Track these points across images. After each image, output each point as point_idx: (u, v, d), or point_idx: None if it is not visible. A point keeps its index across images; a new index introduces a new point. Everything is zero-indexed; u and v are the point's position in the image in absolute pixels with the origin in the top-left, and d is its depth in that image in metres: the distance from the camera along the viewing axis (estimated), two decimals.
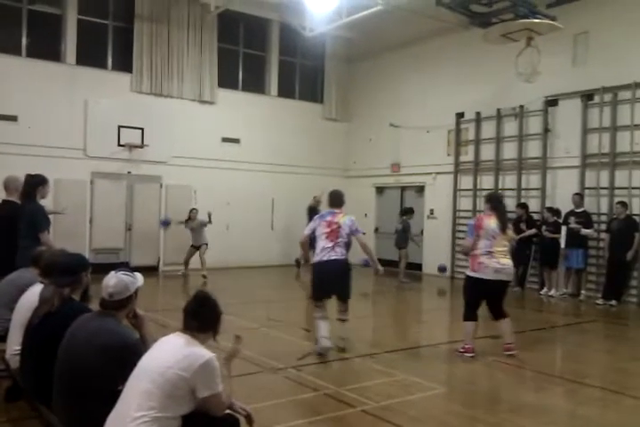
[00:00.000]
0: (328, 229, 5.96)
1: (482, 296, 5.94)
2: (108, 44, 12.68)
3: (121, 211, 12.37)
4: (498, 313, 5.97)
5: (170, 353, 2.66)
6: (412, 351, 6.32)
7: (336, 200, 6.27)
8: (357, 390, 4.73)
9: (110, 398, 2.72)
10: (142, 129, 12.36)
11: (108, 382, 2.84)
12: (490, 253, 5.74)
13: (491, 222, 5.83)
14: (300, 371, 5.29)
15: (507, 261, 5.82)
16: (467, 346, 5.94)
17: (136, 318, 3.30)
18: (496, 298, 5.94)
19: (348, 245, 6.13)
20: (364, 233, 6.49)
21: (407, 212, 12.35)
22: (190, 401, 2.62)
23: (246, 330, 6.46)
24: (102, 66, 12.52)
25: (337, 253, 5.91)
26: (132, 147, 12.24)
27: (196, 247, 11.92)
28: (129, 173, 12.41)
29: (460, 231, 12.46)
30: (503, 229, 5.83)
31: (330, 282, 5.99)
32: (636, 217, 9.70)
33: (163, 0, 12.74)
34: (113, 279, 3.10)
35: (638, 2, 9.92)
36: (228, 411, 2.84)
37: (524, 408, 4.50)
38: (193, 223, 11.88)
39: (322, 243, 5.97)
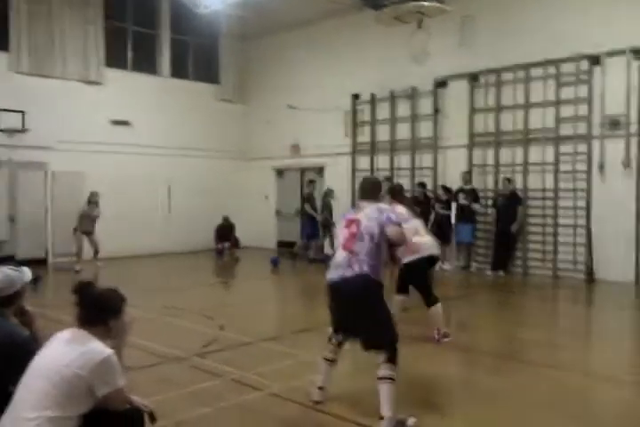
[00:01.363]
0: (346, 233, 3.95)
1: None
2: None
3: (2, 201, 11.49)
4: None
5: (65, 350, 2.54)
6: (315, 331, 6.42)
7: (366, 190, 4.18)
8: (264, 374, 4.74)
9: (1, 399, 2.56)
10: (23, 112, 11.46)
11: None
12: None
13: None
14: (205, 358, 5.21)
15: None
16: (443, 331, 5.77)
17: (25, 315, 3.12)
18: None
19: (377, 255, 3.88)
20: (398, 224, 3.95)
21: (328, 194, 12.43)
22: (89, 400, 2.51)
23: (145, 320, 6.27)
24: None
25: (353, 270, 3.82)
26: (11, 131, 11.35)
27: (87, 233, 11.29)
28: (10, 159, 11.51)
29: None
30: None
31: (344, 315, 3.98)
32: (518, 192, 10.38)
33: None
34: None
35: None
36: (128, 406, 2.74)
37: (418, 378, 4.71)
38: (97, 209, 11.21)
39: (336, 253, 4.04)
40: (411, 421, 3.66)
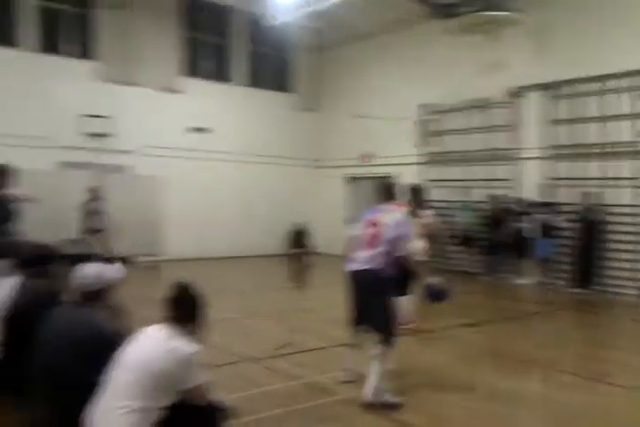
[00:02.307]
0: (368, 233, 4.49)
1: None
2: (72, 32, 12.28)
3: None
4: None
5: (153, 346, 2.65)
6: None
7: (382, 192, 4.75)
8: (337, 379, 4.73)
9: (88, 389, 2.69)
10: (109, 118, 12.05)
11: (85, 373, 2.79)
12: None
13: None
14: (279, 360, 5.26)
15: None
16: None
17: (112, 310, 3.24)
18: None
19: (389, 256, 4.46)
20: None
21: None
22: (173, 393, 2.63)
23: (223, 321, 6.40)
24: (66, 53, 12.11)
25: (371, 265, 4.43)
26: (98, 136, 11.95)
27: (95, 231, 10.60)
28: (95, 162, 12.09)
29: None
30: None
31: (360, 300, 4.57)
32: (600, 207, 9.90)
33: None
34: (88, 270, 3.05)
35: None
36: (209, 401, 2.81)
37: (499, 395, 4.57)
38: (103, 204, 10.61)
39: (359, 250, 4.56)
40: (392, 399, 4.19)
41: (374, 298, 4.40)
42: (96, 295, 3.05)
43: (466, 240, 11.72)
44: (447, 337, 6.41)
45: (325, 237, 14.79)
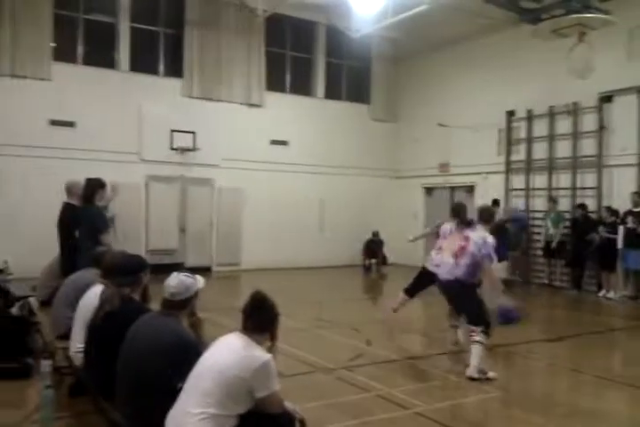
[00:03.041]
0: (455, 245, 5.39)
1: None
2: (160, 51, 12.99)
3: (174, 213, 12.67)
4: None
5: (229, 354, 2.74)
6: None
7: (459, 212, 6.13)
8: (410, 392, 4.71)
9: (170, 395, 2.82)
10: (194, 133, 12.63)
11: (168, 379, 2.93)
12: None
13: None
14: (352, 372, 5.31)
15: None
16: None
17: (194, 319, 3.36)
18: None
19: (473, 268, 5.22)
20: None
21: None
22: (248, 400, 2.70)
23: (297, 331, 6.53)
24: (154, 72, 12.84)
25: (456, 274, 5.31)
26: (184, 150, 12.54)
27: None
28: (182, 175, 12.70)
29: None
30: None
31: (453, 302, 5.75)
32: None
33: (212, 6, 12.99)
34: (175, 280, 3.18)
35: None
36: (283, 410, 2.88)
37: (580, 413, 4.39)
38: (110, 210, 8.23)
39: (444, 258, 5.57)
40: (491, 374, 5.08)
41: (463, 300, 5.29)
42: (182, 305, 3.19)
43: (551, 252, 11.28)
44: (527, 351, 6.21)
45: (401, 247, 14.67)
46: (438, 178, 14.54)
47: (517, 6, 10.11)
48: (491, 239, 5.16)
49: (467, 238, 5.22)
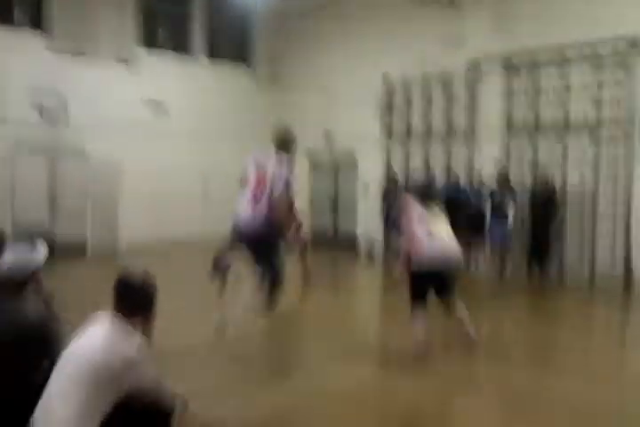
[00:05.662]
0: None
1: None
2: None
3: (43, 183, 11.70)
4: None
5: (95, 342, 2.52)
6: None
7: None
8: None
9: (32, 390, 2.58)
10: (60, 94, 11.61)
11: (26, 373, 2.69)
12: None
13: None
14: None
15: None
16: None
17: (42, 295, 3.09)
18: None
19: None
20: None
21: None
22: (120, 390, 2.51)
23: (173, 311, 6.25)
24: (18, 23, 11.57)
25: None
26: (49, 115, 11.53)
27: None
28: (51, 143, 11.68)
29: None
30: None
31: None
32: (556, 188, 9.87)
33: None
34: (11, 255, 2.89)
35: None
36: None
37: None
38: None
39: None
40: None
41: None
42: (22, 283, 2.89)
43: None
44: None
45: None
46: (321, 149, 14.50)
47: None
48: None
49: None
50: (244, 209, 5.48)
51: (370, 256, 12.72)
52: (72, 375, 2.46)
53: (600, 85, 9.59)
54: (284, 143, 5.78)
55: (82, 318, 2.89)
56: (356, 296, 9.30)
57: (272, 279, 5.47)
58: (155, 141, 12.99)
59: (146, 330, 2.71)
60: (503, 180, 10.03)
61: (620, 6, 9.24)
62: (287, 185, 5.41)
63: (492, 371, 5.06)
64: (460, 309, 5.31)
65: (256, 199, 5.39)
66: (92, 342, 2.54)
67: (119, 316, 2.61)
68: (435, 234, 5.02)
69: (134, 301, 2.66)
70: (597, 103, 9.62)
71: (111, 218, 12.14)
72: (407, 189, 6.10)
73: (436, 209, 5.34)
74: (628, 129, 9.37)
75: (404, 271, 5.19)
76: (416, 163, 12.40)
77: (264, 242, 5.39)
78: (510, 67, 10.68)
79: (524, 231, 10.10)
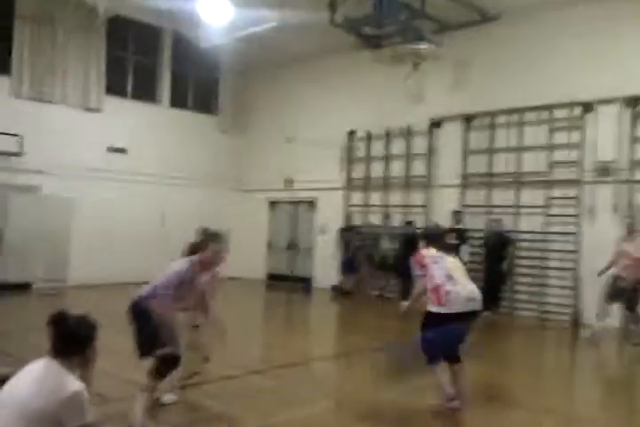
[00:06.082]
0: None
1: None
2: None
3: None
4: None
5: (32, 384, 2.44)
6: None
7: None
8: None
9: None
10: (20, 136, 11.50)
11: None
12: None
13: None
14: (184, 390, 5.09)
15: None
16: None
17: None
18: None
19: None
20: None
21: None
22: None
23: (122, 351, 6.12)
24: None
25: None
26: (7, 155, 11.37)
27: None
28: (3, 182, 11.46)
29: None
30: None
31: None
32: (508, 233, 10.38)
33: (47, 1, 12.01)
34: None
35: (513, 35, 10.77)
36: None
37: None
38: None
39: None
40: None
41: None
42: None
43: (383, 265, 11.98)
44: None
45: (245, 261, 14.63)
46: (283, 193, 14.75)
47: (359, 32, 10.64)
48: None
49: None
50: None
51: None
52: (6, 418, 2.37)
53: (553, 146, 10.33)
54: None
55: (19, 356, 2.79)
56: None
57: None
58: (113, 183, 12.85)
59: (84, 370, 2.64)
60: (457, 226, 10.52)
61: (570, 71, 10.05)
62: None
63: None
64: (465, 376, 4.97)
65: None
66: (27, 384, 2.45)
67: (56, 357, 2.55)
68: (456, 278, 4.83)
69: (70, 341, 2.59)
70: (550, 158, 10.35)
71: (61, 256, 11.74)
72: (421, 235, 5.92)
73: (451, 254, 5.20)
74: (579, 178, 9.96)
75: (410, 311, 5.08)
76: (375, 209, 12.74)
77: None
78: (468, 125, 11.40)
79: (477, 274, 10.32)
